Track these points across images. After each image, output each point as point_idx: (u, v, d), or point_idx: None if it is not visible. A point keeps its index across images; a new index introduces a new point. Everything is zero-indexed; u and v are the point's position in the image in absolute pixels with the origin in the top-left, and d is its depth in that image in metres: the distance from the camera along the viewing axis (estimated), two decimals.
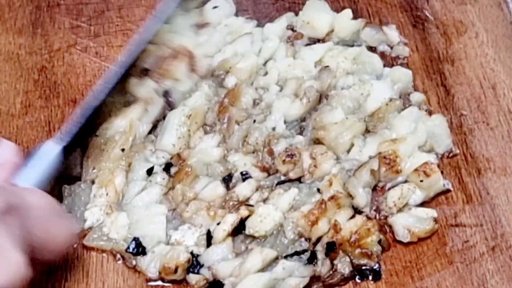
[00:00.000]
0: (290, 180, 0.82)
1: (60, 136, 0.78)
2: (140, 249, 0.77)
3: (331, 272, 0.76)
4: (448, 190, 0.82)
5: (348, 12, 0.95)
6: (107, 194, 0.80)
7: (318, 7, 0.96)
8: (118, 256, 0.78)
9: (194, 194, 0.80)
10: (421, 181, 0.80)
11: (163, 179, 0.82)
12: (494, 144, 0.85)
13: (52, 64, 0.93)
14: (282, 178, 0.82)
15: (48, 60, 0.93)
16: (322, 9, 0.96)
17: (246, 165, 0.82)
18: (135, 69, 0.87)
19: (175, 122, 0.84)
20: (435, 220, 0.80)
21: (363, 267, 0.77)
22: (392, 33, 0.94)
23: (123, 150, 0.83)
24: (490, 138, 0.86)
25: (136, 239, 0.77)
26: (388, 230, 0.80)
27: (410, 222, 0.79)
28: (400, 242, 0.79)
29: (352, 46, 0.93)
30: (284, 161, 0.82)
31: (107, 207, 0.80)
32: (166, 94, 0.87)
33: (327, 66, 0.89)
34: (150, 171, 0.82)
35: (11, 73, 0.92)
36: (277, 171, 0.83)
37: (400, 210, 0.80)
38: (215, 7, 0.95)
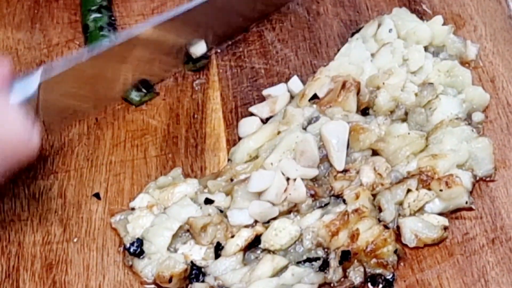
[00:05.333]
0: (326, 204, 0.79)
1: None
2: (138, 251, 0.75)
3: (342, 280, 0.75)
4: (471, 209, 0.80)
5: (439, 19, 0.91)
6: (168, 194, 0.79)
7: (405, 16, 0.92)
8: (121, 249, 0.78)
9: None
10: (441, 190, 0.78)
11: (215, 213, 0.77)
12: (493, 136, 0.85)
13: (51, 58, 0.92)
14: (325, 201, 0.79)
15: (46, 55, 0.93)
16: (411, 17, 0.92)
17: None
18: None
19: (286, 145, 0.80)
20: (445, 229, 0.78)
21: (377, 276, 0.75)
22: (472, 49, 0.91)
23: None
24: (489, 131, 0.86)
25: (138, 241, 0.76)
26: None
27: (419, 227, 0.77)
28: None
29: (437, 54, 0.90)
30: (336, 177, 0.79)
31: (153, 201, 0.78)
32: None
33: (431, 83, 0.85)
34: (209, 201, 0.79)
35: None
36: (331, 190, 0.79)
37: (413, 214, 0.78)
38: (391, 30, 0.89)
